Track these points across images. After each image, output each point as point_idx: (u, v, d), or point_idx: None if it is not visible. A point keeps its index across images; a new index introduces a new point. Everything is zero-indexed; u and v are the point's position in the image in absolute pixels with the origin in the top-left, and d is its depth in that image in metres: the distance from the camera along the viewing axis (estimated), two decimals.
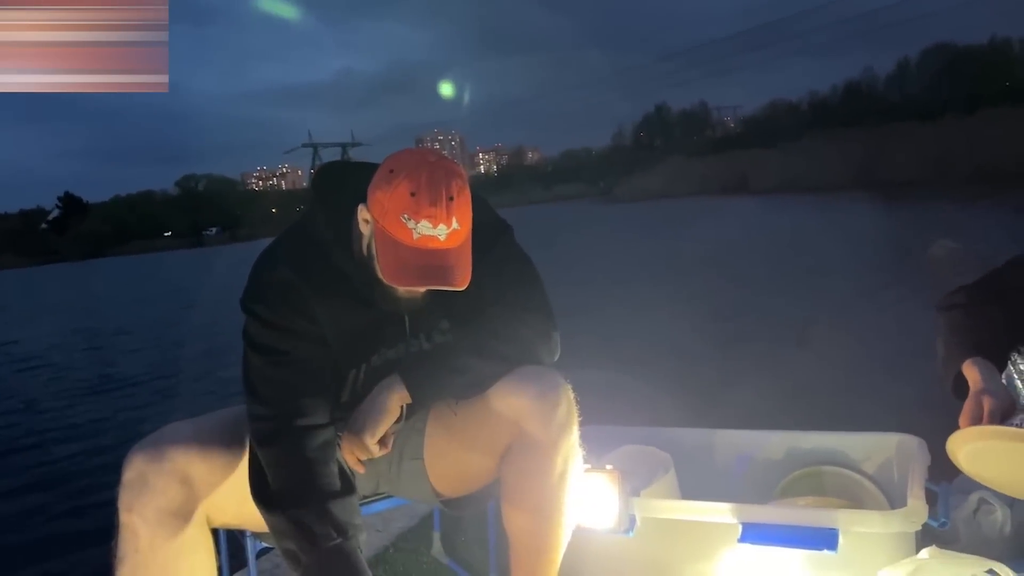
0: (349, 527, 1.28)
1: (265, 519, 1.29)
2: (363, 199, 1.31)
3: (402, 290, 1.33)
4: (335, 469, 1.33)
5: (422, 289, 1.34)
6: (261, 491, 1.29)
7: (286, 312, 1.35)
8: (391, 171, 1.26)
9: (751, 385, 3.22)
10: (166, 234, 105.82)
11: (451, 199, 1.25)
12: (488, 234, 1.44)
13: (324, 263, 1.37)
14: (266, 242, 1.47)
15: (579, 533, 1.49)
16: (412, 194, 1.23)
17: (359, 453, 1.38)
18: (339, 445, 1.40)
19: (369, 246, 1.33)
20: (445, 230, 1.26)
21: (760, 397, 2.91)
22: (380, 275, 1.30)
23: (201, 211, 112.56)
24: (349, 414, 1.43)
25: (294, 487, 1.27)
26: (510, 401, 1.37)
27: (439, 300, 1.40)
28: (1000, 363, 1.39)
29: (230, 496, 1.32)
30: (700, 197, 36.60)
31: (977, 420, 1.25)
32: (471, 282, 1.32)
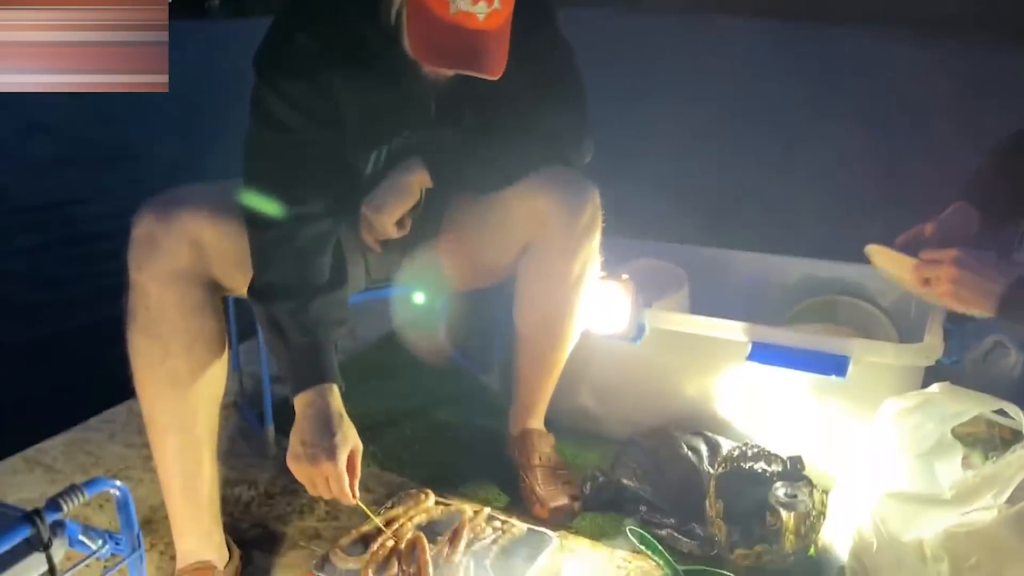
0: (324, 324, 1.26)
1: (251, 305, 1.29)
2: None
3: (428, 69, 1.23)
4: (325, 260, 1.29)
5: (451, 72, 1.24)
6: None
7: (302, 85, 1.26)
8: None
9: (767, 206, 3.17)
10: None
11: None
12: (531, 14, 1.31)
13: (349, 31, 1.26)
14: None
15: (586, 337, 1.52)
16: None
17: (376, 232, 1.37)
18: (358, 225, 1.38)
19: (399, 15, 1.21)
20: (485, 8, 1.14)
21: (775, 220, 2.86)
22: (408, 50, 1.20)
23: None
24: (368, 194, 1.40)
25: (277, 279, 1.25)
26: (536, 200, 1.34)
27: (469, 84, 1.28)
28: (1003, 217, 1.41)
29: (240, 264, 1.29)
30: (766, 20, 32.86)
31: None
32: (506, 68, 1.21)
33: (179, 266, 1.23)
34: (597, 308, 1.52)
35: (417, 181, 1.35)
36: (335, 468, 1.17)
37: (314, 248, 1.28)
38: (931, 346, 1.35)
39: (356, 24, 1.26)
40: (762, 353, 1.47)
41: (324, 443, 1.17)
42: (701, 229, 2.19)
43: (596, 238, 1.39)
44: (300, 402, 1.23)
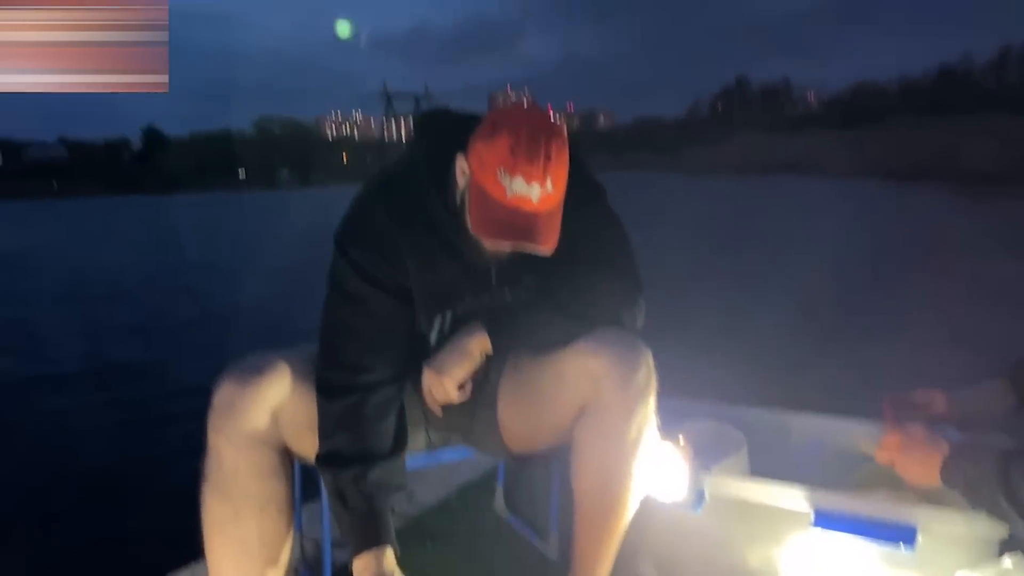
0: (383, 489, 1.33)
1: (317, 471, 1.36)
2: (464, 149, 1.31)
3: (488, 244, 1.34)
4: (389, 427, 1.37)
5: (508, 247, 1.34)
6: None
7: (377, 260, 1.37)
8: (493, 124, 1.27)
9: (825, 368, 3.15)
10: (240, 174, 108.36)
11: (548, 159, 1.24)
12: (582, 194, 1.43)
13: (420, 209, 1.39)
14: (337, 190, 1.50)
15: (646, 504, 1.49)
16: (511, 149, 1.23)
17: (438, 396, 1.42)
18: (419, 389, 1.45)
19: (463, 197, 1.33)
20: (539, 191, 1.26)
21: (834, 381, 2.83)
22: (469, 228, 1.31)
23: (276, 153, 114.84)
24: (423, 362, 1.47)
25: (343, 447, 1.33)
26: (589, 362, 1.36)
27: (526, 255, 1.38)
28: None
29: (312, 431, 1.36)
30: (773, 176, 35.53)
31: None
32: (560, 241, 1.32)
33: (256, 431, 1.30)
34: (655, 473, 1.49)
35: (479, 346, 1.41)
36: None
37: (379, 415, 1.35)
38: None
39: (427, 206, 1.38)
40: (826, 520, 1.42)
41: None
42: (759, 390, 2.18)
43: (651, 400, 1.39)
44: (358, 566, 1.26)
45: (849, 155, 35.13)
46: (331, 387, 1.35)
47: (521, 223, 1.26)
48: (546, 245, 1.28)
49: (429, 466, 1.63)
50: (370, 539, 1.29)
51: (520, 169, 1.24)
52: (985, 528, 1.31)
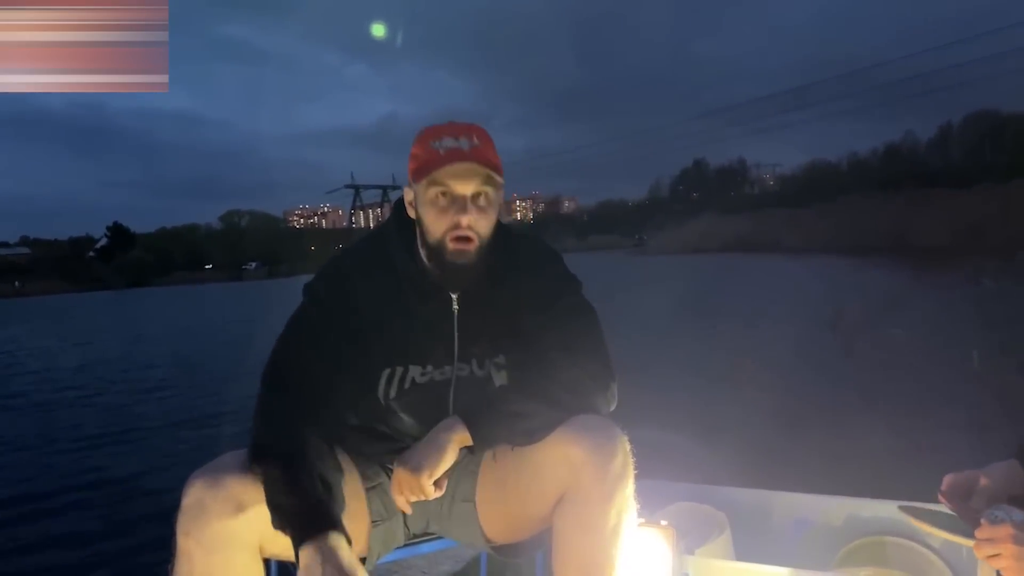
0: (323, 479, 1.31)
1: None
2: None
3: (451, 248, 1.45)
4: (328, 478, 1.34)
5: (472, 248, 1.45)
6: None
7: (335, 296, 1.49)
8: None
9: (798, 446, 3.15)
10: (207, 267, 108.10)
11: (469, 128, 1.46)
12: (557, 285, 1.55)
13: (387, 263, 1.53)
14: (304, 278, 1.59)
15: None
16: (433, 131, 1.46)
17: (411, 493, 1.39)
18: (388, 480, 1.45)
19: (422, 228, 1.48)
20: (467, 142, 1.44)
21: (811, 459, 2.83)
22: (428, 234, 1.46)
23: (242, 246, 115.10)
24: (381, 426, 1.51)
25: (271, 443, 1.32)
26: (566, 450, 1.37)
27: (493, 324, 1.50)
28: None
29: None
30: (733, 254, 36.56)
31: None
32: (532, 324, 1.47)
33: (225, 531, 1.26)
34: (638, 558, 1.48)
35: (457, 441, 1.40)
36: None
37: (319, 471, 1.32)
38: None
39: (395, 258, 1.53)
40: None
41: None
42: (739, 470, 2.16)
43: (630, 485, 1.39)
44: (303, 557, 1.20)
45: (804, 232, 36.30)
46: (271, 442, 1.34)
47: (458, 159, 1.41)
48: (484, 161, 1.42)
49: (410, 558, 1.59)
50: (314, 524, 1.23)
51: (445, 132, 1.45)
52: None
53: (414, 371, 1.52)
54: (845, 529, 1.74)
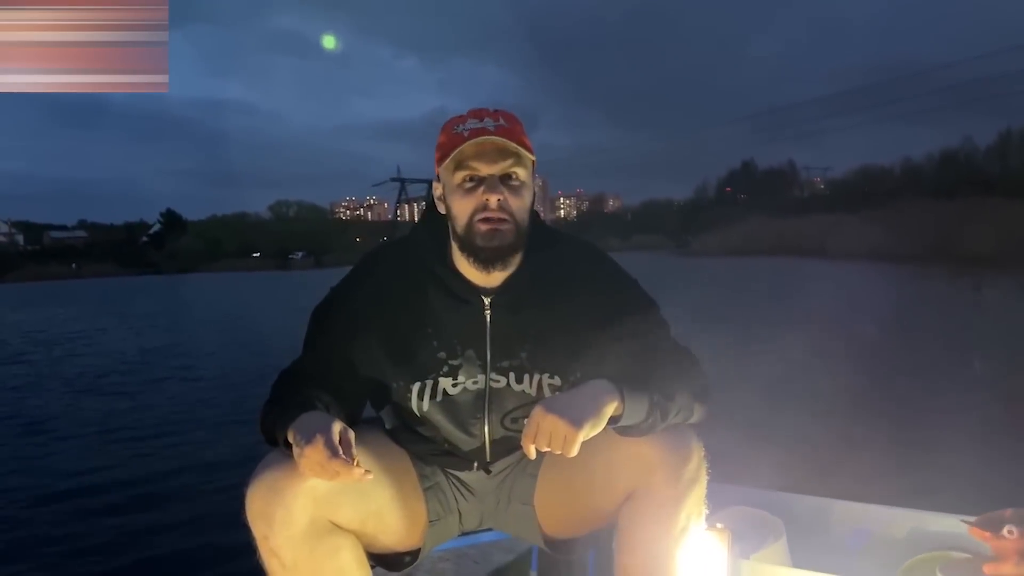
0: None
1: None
2: None
3: (481, 231, 1.40)
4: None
5: (505, 229, 1.40)
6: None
7: (361, 293, 1.49)
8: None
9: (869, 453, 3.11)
10: (255, 255, 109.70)
11: (496, 111, 1.42)
12: (619, 289, 1.52)
13: (416, 267, 1.50)
14: (348, 269, 1.58)
15: None
16: (458, 117, 1.43)
17: (556, 446, 1.27)
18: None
19: (452, 219, 1.45)
20: (492, 123, 1.39)
21: (879, 469, 2.79)
22: (456, 222, 1.42)
23: (289, 235, 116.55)
24: (424, 429, 1.51)
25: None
26: (640, 449, 1.35)
27: (538, 341, 1.47)
28: None
29: (347, 497, 1.37)
30: (777, 257, 35.86)
31: None
32: (603, 338, 1.42)
33: (300, 525, 1.29)
34: (692, 560, 1.47)
35: (611, 406, 1.30)
36: (325, 437, 1.19)
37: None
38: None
39: (426, 259, 1.51)
40: None
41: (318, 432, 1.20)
42: (799, 476, 2.14)
43: (702, 489, 1.37)
44: (293, 436, 1.24)
45: (852, 237, 35.42)
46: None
47: (483, 136, 1.37)
48: (510, 138, 1.37)
49: (462, 547, 1.63)
50: (301, 407, 1.30)
51: (469, 115, 1.41)
52: None
53: (445, 383, 1.48)
54: (908, 542, 1.71)
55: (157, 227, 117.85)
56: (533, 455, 1.30)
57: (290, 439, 1.24)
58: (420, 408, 1.47)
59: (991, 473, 3.00)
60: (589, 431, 1.26)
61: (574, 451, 1.26)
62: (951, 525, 1.69)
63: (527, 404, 1.47)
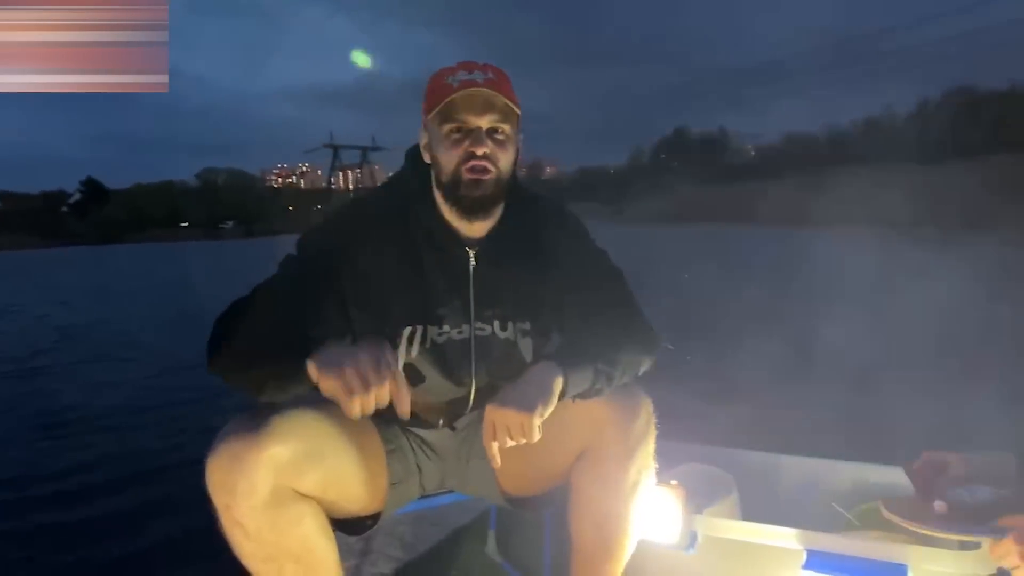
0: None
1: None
2: None
3: (466, 179, 1.42)
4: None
5: (489, 179, 1.42)
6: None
7: (326, 251, 1.45)
8: None
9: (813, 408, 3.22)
10: (183, 224, 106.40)
11: (486, 65, 1.43)
12: (590, 251, 1.57)
13: (399, 216, 1.50)
14: (283, 238, 1.54)
15: (640, 546, 1.51)
16: (447, 69, 1.44)
17: (519, 435, 1.31)
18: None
19: (437, 169, 1.46)
20: (482, 76, 1.40)
21: (824, 424, 2.89)
22: (442, 172, 1.44)
23: (219, 204, 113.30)
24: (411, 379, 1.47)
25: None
26: (590, 408, 1.39)
27: (516, 292, 1.49)
28: None
29: (310, 463, 1.33)
30: (710, 224, 36.78)
31: None
32: (567, 289, 1.46)
33: (262, 494, 1.26)
34: (648, 516, 1.52)
35: (559, 383, 1.35)
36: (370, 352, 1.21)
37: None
38: (990, 553, 1.35)
39: (409, 205, 1.51)
40: (818, 562, 1.47)
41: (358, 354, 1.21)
42: (747, 432, 2.21)
43: (651, 445, 1.42)
44: (314, 366, 1.22)
45: (781, 205, 36.56)
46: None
47: (472, 88, 1.39)
48: (501, 93, 1.39)
49: (420, 510, 1.64)
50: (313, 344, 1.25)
51: (459, 67, 1.42)
52: (973, 566, 1.37)
53: (432, 331, 1.49)
54: (853, 493, 1.79)
55: (78, 196, 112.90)
56: (498, 460, 1.34)
57: (317, 368, 1.22)
58: (409, 354, 1.45)
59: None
60: (543, 412, 1.31)
61: (535, 436, 1.30)
62: (893, 475, 1.77)
63: (511, 351, 1.52)
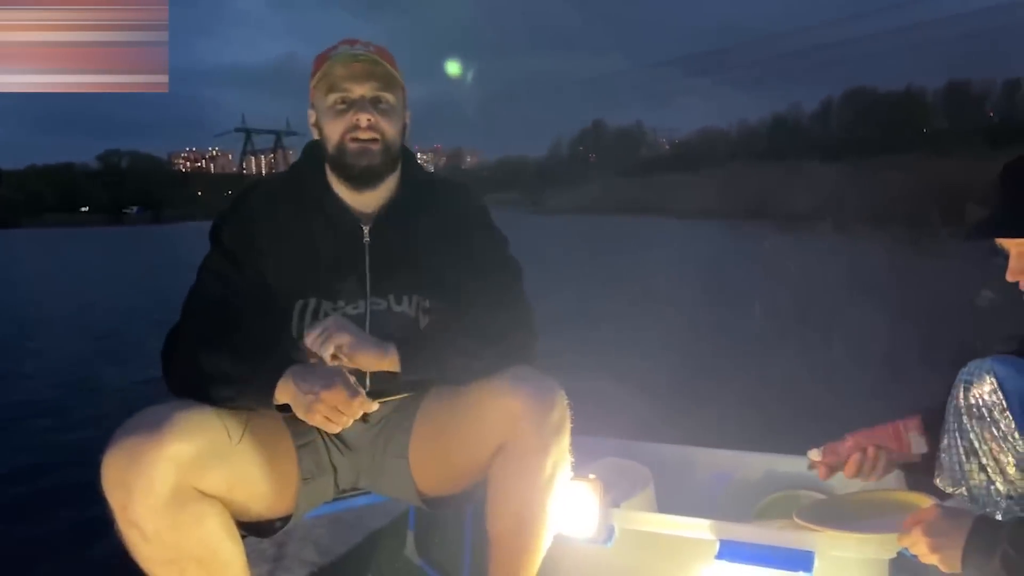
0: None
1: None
2: None
3: (351, 149, 1.46)
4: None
5: (376, 149, 1.46)
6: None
7: (240, 237, 1.49)
8: None
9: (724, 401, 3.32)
10: (83, 209, 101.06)
11: (367, 42, 1.48)
12: (482, 234, 1.60)
13: (296, 196, 1.54)
14: (193, 224, 1.54)
15: (557, 540, 1.52)
16: (331, 47, 1.48)
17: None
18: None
19: (325, 141, 1.50)
20: (363, 48, 1.45)
21: (733, 416, 2.99)
22: (329, 143, 1.48)
23: (123, 188, 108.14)
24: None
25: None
26: (505, 402, 1.37)
27: (411, 267, 1.51)
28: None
29: (213, 461, 1.29)
30: (624, 215, 37.80)
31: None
32: (442, 252, 1.51)
33: (161, 492, 1.21)
34: (565, 510, 1.52)
35: (387, 363, 1.41)
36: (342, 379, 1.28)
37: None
38: (890, 538, 1.39)
39: (304, 183, 1.55)
40: (730, 551, 1.49)
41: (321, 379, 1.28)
42: (661, 426, 2.25)
43: (566, 438, 1.41)
44: (282, 391, 1.29)
45: (691, 197, 37.81)
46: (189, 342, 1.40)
47: (352, 59, 1.44)
48: (377, 55, 1.45)
49: (337, 512, 1.61)
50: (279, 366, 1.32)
51: (341, 43, 1.47)
52: (876, 550, 1.43)
53: (326, 306, 1.49)
54: (763, 483, 1.85)
55: None
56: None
57: (288, 392, 1.29)
58: (300, 329, 1.45)
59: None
60: (346, 339, 1.36)
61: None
62: (800, 466, 1.81)
63: (409, 325, 1.52)
